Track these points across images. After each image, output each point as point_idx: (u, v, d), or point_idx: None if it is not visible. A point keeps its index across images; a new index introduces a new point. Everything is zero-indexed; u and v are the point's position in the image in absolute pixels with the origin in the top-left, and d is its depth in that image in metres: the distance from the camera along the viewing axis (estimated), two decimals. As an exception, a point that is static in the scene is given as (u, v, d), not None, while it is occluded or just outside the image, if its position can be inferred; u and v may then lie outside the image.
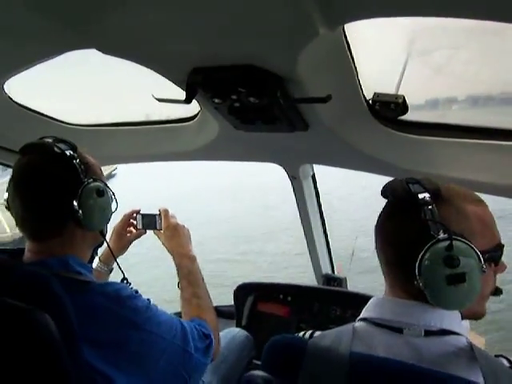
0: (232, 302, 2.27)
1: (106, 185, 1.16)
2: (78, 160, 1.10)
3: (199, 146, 1.83)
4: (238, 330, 1.94)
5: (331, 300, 2.05)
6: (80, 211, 1.07)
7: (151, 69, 1.26)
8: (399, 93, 1.28)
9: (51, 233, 1.09)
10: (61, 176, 1.08)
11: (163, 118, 1.90)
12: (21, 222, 1.10)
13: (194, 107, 1.73)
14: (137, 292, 1.12)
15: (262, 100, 1.21)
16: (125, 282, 1.41)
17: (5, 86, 1.56)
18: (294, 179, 1.98)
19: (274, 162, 1.91)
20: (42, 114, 1.80)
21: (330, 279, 2.37)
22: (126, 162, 2.14)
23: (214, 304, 2.27)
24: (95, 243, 1.23)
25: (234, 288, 2.23)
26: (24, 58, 1.28)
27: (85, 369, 0.95)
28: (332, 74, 1.19)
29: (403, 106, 1.25)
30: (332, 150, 1.62)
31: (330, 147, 1.58)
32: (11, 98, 1.66)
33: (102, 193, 1.12)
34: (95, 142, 1.85)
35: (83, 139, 1.20)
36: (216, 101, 1.28)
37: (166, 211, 1.55)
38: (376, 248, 0.92)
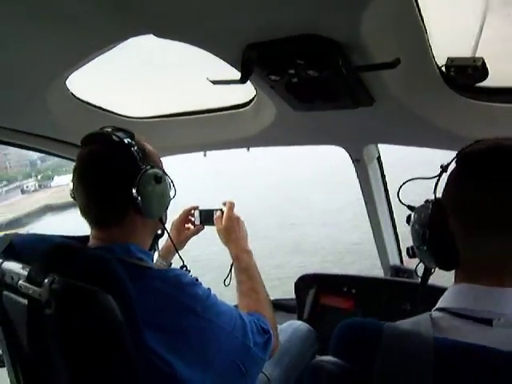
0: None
1: (164, 171, 1.18)
2: (135, 147, 1.12)
3: (256, 131, 1.81)
4: (299, 322, 1.91)
5: (401, 293, 1.95)
6: (139, 198, 1.09)
7: (206, 49, 1.25)
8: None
9: (113, 220, 1.13)
10: (119, 164, 1.11)
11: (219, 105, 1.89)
12: (84, 210, 1.15)
13: (249, 92, 1.71)
14: (197, 280, 1.13)
15: (321, 72, 1.14)
16: (184, 269, 1.44)
17: (67, 82, 1.61)
18: (358, 162, 1.91)
19: (335, 144, 1.85)
20: (102, 108, 1.85)
21: (399, 271, 2.25)
22: (183, 153, 2.17)
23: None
24: (155, 231, 1.26)
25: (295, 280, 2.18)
26: (83, 51, 1.31)
27: (146, 353, 0.96)
28: (399, 37, 1.11)
29: (483, 70, 1.12)
30: (401, 127, 1.53)
31: (399, 123, 1.49)
32: (73, 94, 1.72)
33: (160, 179, 1.14)
34: (152, 133, 1.87)
35: (141, 131, 1.21)
36: (273, 78, 1.24)
37: (232, 204, 1.56)
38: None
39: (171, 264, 1.62)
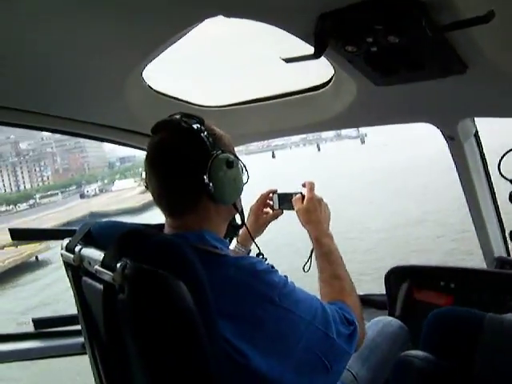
0: None
1: (235, 156, 1.15)
2: (205, 133, 1.11)
3: (337, 112, 1.74)
4: (390, 318, 1.79)
5: (508, 287, 1.75)
6: (210, 184, 1.08)
7: (276, 25, 1.20)
8: None
9: (186, 208, 1.12)
10: (189, 150, 1.10)
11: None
12: (157, 199, 1.14)
13: (327, 73, 1.63)
14: (273, 267, 1.10)
15: (403, 37, 1.05)
16: (260, 257, 1.41)
17: (143, 73, 1.64)
18: (452, 140, 1.74)
19: (424, 121, 1.72)
20: (176, 98, 1.88)
21: (505, 263, 2.03)
22: (261, 140, 2.15)
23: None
24: (229, 217, 1.23)
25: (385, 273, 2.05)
26: (156, 39, 1.33)
27: (220, 343, 0.94)
28: None
29: None
30: (500, 96, 1.38)
31: (497, 92, 1.34)
32: (149, 86, 1.76)
33: (232, 164, 1.11)
34: (228, 121, 1.88)
35: (217, 120, 1.20)
36: (349, 49, 1.16)
37: (312, 184, 1.49)
38: None
39: (250, 251, 1.59)
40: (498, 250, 2.07)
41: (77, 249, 1.10)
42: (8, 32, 1.22)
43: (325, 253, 1.35)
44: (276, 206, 1.62)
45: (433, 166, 17.37)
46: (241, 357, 0.96)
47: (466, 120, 1.71)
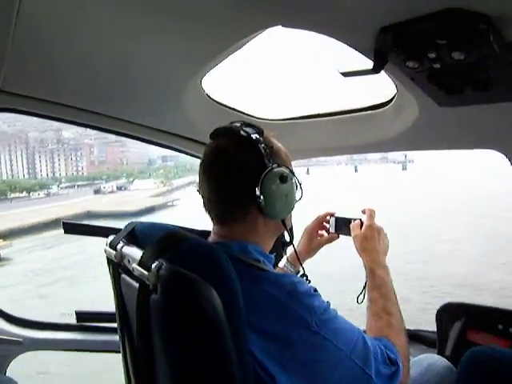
0: None
1: (291, 171, 1.13)
2: (263, 144, 1.10)
3: (397, 132, 1.69)
4: (438, 357, 1.68)
5: None
6: (261, 197, 1.07)
7: (335, 37, 1.20)
8: None
9: (234, 217, 1.11)
10: (245, 160, 1.09)
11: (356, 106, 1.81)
12: (208, 205, 1.14)
13: (390, 92, 1.60)
14: (316, 290, 1.06)
15: (468, 53, 1.00)
16: (304, 278, 1.35)
17: (202, 82, 1.69)
18: None
19: (490, 148, 1.62)
20: (235, 109, 1.91)
21: None
22: (316, 156, 2.13)
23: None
24: (278, 233, 1.21)
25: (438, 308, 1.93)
26: (216, 48, 1.36)
27: (247, 358, 0.92)
28: None
29: None
30: None
31: None
32: (208, 95, 1.80)
33: (286, 179, 1.09)
34: (286, 135, 1.87)
35: (272, 133, 1.20)
36: (411, 65, 1.12)
37: (372, 211, 1.46)
38: None
39: (299, 271, 1.54)
40: None
41: (119, 246, 1.13)
42: (84, 35, 1.31)
43: (378, 285, 1.30)
44: (332, 230, 1.59)
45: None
46: (268, 378, 0.93)
47: None
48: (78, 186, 45.76)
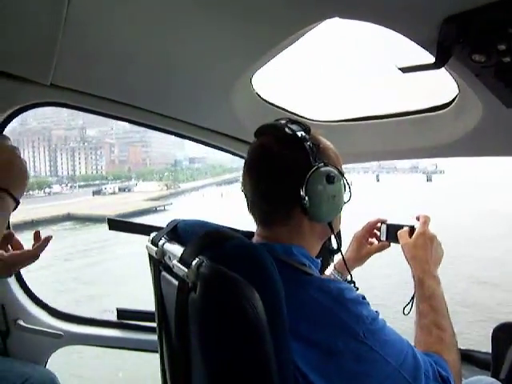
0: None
1: (340, 172, 1.09)
2: (309, 142, 1.06)
3: (457, 137, 1.62)
4: (492, 380, 1.58)
5: None
6: (306, 198, 1.03)
7: (395, 29, 1.15)
8: None
9: (278, 219, 1.08)
10: (289, 158, 1.06)
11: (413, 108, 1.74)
12: (251, 206, 1.12)
13: (451, 93, 1.53)
14: (364, 298, 1.01)
15: None
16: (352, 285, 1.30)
17: (253, 80, 1.68)
18: None
19: None
20: (282, 108, 1.88)
21: None
22: (370, 160, 2.07)
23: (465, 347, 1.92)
24: (325, 237, 1.17)
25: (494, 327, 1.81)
26: (269, 42, 1.33)
27: (288, 365, 0.88)
28: None
29: None
30: None
31: None
32: (258, 94, 1.79)
33: (333, 179, 1.05)
34: (336, 137, 1.84)
35: (325, 135, 1.17)
36: (477, 58, 1.05)
37: (427, 218, 1.40)
38: None
39: (346, 280, 1.49)
40: None
41: (160, 243, 1.13)
42: (133, 31, 1.33)
43: (427, 296, 1.24)
44: (383, 238, 1.53)
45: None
46: None
47: None
48: (90, 185, 45.50)
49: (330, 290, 0.97)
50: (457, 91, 1.47)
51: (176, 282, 0.98)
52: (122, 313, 2.18)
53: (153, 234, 1.20)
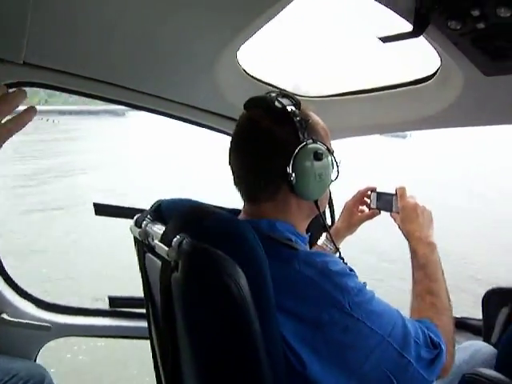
0: None
1: (328, 149, 1.10)
2: (298, 117, 1.07)
3: (441, 108, 1.69)
4: (484, 344, 1.70)
5: None
6: (293, 174, 1.04)
7: None
8: None
9: (264, 195, 1.10)
10: (277, 133, 1.06)
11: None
12: (237, 181, 1.14)
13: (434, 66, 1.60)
14: (351, 270, 1.04)
15: None
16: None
17: (238, 53, 1.66)
18: None
19: None
20: (271, 85, 1.90)
21: None
22: (356, 135, 2.11)
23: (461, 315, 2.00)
24: (312, 214, 1.18)
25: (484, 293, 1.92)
26: (252, 13, 1.30)
27: (276, 340, 0.91)
28: None
29: None
30: None
31: None
32: (244, 69, 1.79)
33: (321, 156, 1.06)
34: (323, 113, 1.89)
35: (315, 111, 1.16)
36: (453, 26, 1.11)
37: (403, 190, 1.46)
38: None
39: (338, 249, 1.50)
40: None
41: (144, 223, 1.14)
42: (109, 2, 1.29)
43: (422, 263, 1.28)
44: (373, 205, 1.59)
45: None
46: (297, 361, 0.92)
47: None
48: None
49: (315, 263, 0.98)
50: (439, 63, 1.51)
51: (159, 263, 0.99)
52: (113, 300, 2.17)
53: (136, 216, 1.21)
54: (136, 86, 1.83)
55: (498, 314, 1.85)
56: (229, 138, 1.15)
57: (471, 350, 1.62)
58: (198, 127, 2.10)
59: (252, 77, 1.84)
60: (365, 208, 1.62)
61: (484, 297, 1.92)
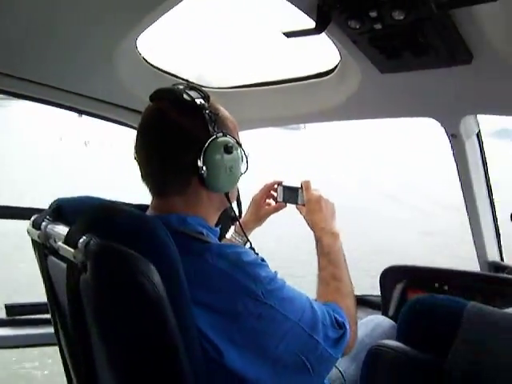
0: None
1: (237, 142, 1.12)
2: (208, 110, 1.06)
3: (339, 102, 1.78)
4: (382, 317, 1.84)
5: (499, 291, 1.81)
6: (204, 168, 1.05)
7: None
8: None
9: (174, 189, 1.09)
10: (187, 126, 1.06)
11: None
12: (144, 176, 1.12)
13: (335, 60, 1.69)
14: (263, 260, 1.07)
15: (408, 13, 1.09)
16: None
17: (138, 42, 1.61)
18: (454, 138, 1.79)
19: (428, 116, 1.75)
20: (175, 76, 1.88)
21: (498, 268, 2.09)
22: (260, 127, 2.15)
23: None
24: (222, 207, 1.20)
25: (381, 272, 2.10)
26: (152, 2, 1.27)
27: (193, 334, 0.92)
28: None
29: None
30: (506, 93, 1.40)
31: (503, 88, 1.37)
32: (145, 58, 1.76)
33: (231, 149, 1.07)
34: (231, 104, 1.91)
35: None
36: (353, 25, 1.19)
37: (308, 183, 1.51)
38: None
39: (247, 241, 1.57)
40: (492, 255, 2.12)
41: (43, 225, 1.08)
42: None
43: (325, 252, 1.35)
44: (280, 199, 1.62)
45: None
46: (215, 352, 0.94)
47: (469, 118, 1.76)
48: None
49: (227, 255, 1.00)
50: (339, 58, 1.59)
51: (64, 265, 0.95)
52: (11, 309, 2.00)
53: (33, 217, 1.15)
54: (32, 77, 1.71)
55: (393, 290, 2.03)
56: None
57: (372, 324, 1.74)
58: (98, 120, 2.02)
59: (153, 66, 1.81)
60: (271, 201, 1.66)
61: (381, 275, 2.10)
